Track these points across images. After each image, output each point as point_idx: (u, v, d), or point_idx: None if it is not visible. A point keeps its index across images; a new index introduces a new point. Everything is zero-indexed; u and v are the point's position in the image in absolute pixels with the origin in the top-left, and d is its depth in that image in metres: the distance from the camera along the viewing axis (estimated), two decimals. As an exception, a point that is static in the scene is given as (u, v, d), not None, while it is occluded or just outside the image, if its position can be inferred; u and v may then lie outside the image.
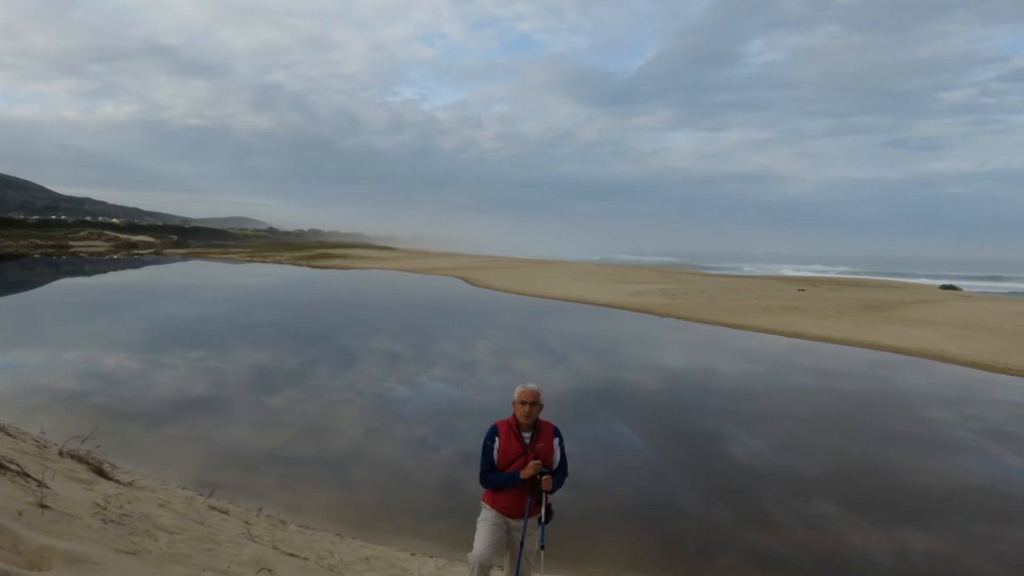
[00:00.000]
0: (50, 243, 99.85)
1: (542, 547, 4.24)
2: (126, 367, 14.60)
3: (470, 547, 4.22)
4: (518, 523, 4.28)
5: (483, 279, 44.40)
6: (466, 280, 45.04)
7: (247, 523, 6.20)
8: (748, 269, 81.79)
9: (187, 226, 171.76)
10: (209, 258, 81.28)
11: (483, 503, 4.43)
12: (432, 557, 6.53)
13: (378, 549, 6.56)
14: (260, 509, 7.13)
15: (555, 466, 4.40)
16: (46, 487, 4.39)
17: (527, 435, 4.38)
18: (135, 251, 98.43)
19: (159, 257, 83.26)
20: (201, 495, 7.06)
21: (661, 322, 24.62)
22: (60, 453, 6.87)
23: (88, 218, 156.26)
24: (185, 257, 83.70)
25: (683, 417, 11.87)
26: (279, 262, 72.17)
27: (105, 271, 55.89)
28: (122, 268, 60.75)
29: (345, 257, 78.84)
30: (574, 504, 7.13)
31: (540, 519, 4.22)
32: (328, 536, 6.73)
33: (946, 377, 15.94)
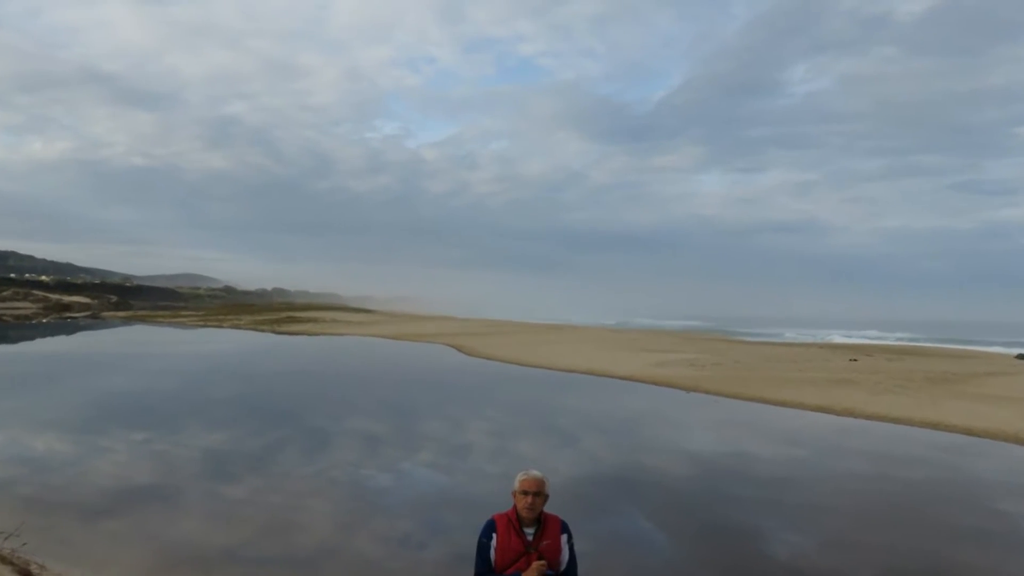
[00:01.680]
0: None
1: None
2: (57, 451, 14.66)
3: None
4: (519, 635, 4.32)
5: (478, 347, 44.52)
6: (458, 348, 45.16)
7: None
8: (790, 336, 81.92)
9: (129, 284, 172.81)
10: (155, 322, 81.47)
11: (478, 610, 4.49)
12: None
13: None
14: (216, 619, 7.15)
15: (563, 567, 4.46)
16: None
17: (530, 531, 4.44)
18: (68, 314, 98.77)
19: (96, 321, 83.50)
20: (147, 602, 7.09)
21: (688, 398, 24.68)
22: (-17, 552, 6.94)
23: (12, 275, 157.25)
24: (127, 321, 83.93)
25: (714, 509, 11.87)
26: (238, 327, 72.37)
27: (32, 337, 56.04)
28: (53, 334, 60.88)
29: (315, 321, 79.10)
30: (585, 613, 7.13)
31: (545, 630, 4.27)
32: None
33: (1025, 463, 15.94)
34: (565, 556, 4.46)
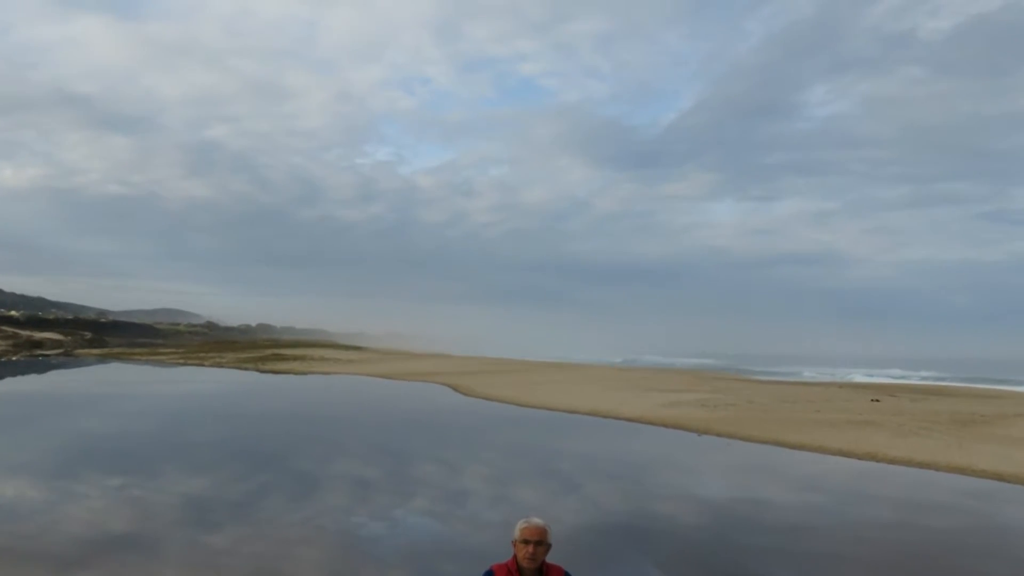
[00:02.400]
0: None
1: None
2: (27, 497, 14.64)
3: None
4: None
5: (476, 387, 44.46)
6: (454, 388, 45.10)
7: None
8: (809, 374, 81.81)
9: (104, 320, 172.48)
10: (132, 360, 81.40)
11: (476, 664, 4.51)
12: None
13: None
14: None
15: (566, 621, 4.49)
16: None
17: (531, 583, 4.48)
18: (39, 351, 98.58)
19: (69, 359, 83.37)
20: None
21: (699, 441, 24.65)
22: (-49, 605, 6.96)
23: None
24: (102, 359, 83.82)
25: (726, 559, 11.85)
26: (220, 365, 72.29)
27: (1, 376, 55.96)
28: (22, 373, 60.82)
29: (302, 359, 78.98)
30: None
31: None
32: None
33: (1058, 510, 15.90)
34: (569, 609, 4.48)
